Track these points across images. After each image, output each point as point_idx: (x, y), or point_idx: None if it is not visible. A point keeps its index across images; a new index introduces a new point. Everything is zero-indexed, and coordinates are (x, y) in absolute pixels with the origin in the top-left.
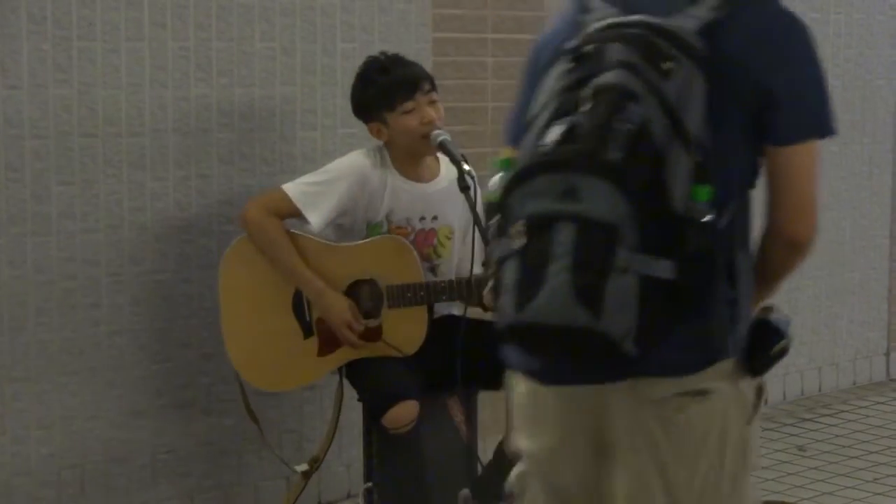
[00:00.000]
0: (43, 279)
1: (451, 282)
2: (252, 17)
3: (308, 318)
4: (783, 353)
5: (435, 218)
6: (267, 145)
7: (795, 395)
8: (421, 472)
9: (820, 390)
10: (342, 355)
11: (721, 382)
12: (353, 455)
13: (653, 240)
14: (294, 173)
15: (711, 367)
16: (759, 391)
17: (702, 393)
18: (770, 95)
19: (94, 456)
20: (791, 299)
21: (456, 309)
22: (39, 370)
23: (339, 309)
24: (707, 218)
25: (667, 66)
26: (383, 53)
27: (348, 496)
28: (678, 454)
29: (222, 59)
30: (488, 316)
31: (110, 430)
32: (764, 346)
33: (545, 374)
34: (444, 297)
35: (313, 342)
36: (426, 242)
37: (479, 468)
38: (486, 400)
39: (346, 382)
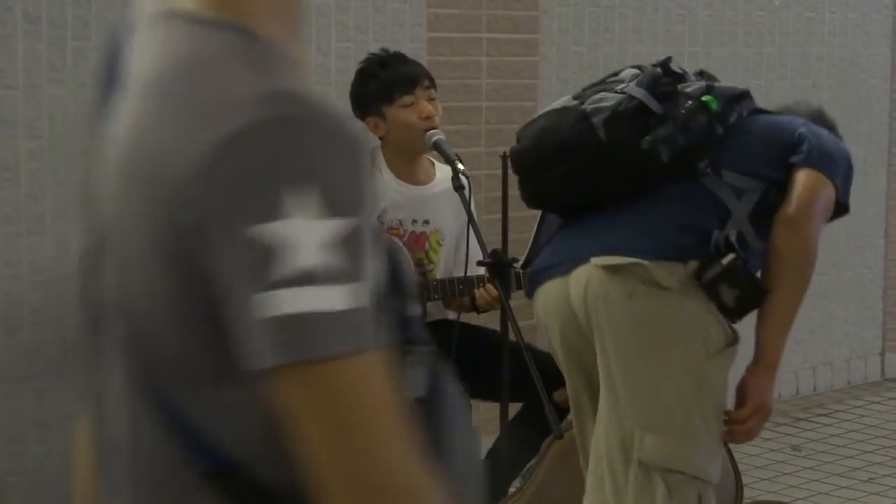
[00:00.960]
0: (38, 279)
1: (441, 281)
2: None
3: None
4: (732, 271)
5: (426, 222)
6: None
7: (790, 395)
8: None
9: (815, 390)
10: None
11: (677, 284)
12: None
13: (654, 90)
14: None
15: (667, 262)
16: (730, 339)
17: (657, 286)
18: (803, 137)
19: None
20: None
21: (451, 314)
22: (35, 370)
23: None
24: (706, 100)
25: (716, 82)
26: (384, 50)
27: None
28: (617, 337)
29: None
30: (482, 321)
31: None
32: (718, 258)
33: (529, 286)
34: (436, 297)
35: None
36: (417, 246)
37: None
38: (479, 402)
39: None
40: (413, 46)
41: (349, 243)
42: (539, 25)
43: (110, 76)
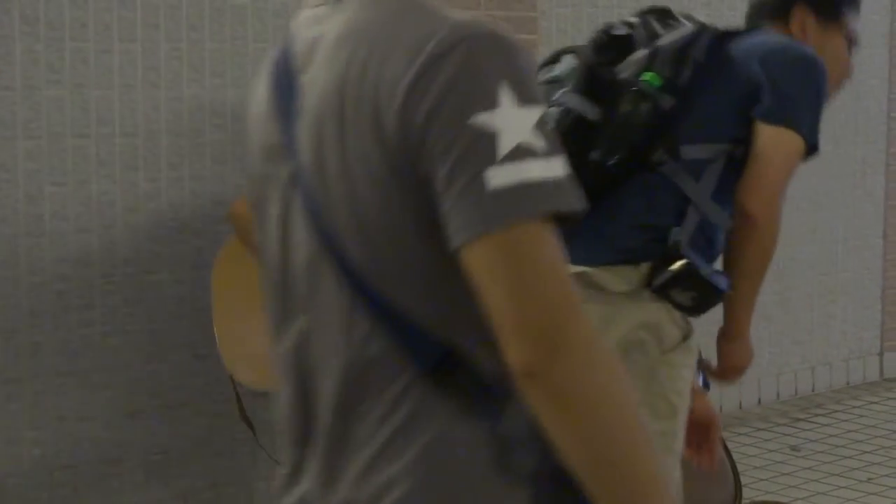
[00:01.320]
0: (36, 280)
1: None
2: (245, 17)
3: None
4: (683, 276)
5: None
6: None
7: (789, 395)
8: None
9: (813, 390)
10: None
11: (627, 287)
12: None
13: (592, 91)
14: None
15: (615, 267)
16: (686, 333)
17: (605, 291)
18: (759, 81)
19: (87, 457)
20: (784, 299)
21: None
22: (32, 371)
23: None
24: (647, 87)
25: (672, 22)
26: None
27: None
28: None
29: (215, 59)
30: None
31: (103, 431)
32: (668, 264)
33: None
34: None
35: None
36: None
37: None
38: None
39: None
40: None
41: (545, 126)
42: (537, 26)
43: (287, 72)
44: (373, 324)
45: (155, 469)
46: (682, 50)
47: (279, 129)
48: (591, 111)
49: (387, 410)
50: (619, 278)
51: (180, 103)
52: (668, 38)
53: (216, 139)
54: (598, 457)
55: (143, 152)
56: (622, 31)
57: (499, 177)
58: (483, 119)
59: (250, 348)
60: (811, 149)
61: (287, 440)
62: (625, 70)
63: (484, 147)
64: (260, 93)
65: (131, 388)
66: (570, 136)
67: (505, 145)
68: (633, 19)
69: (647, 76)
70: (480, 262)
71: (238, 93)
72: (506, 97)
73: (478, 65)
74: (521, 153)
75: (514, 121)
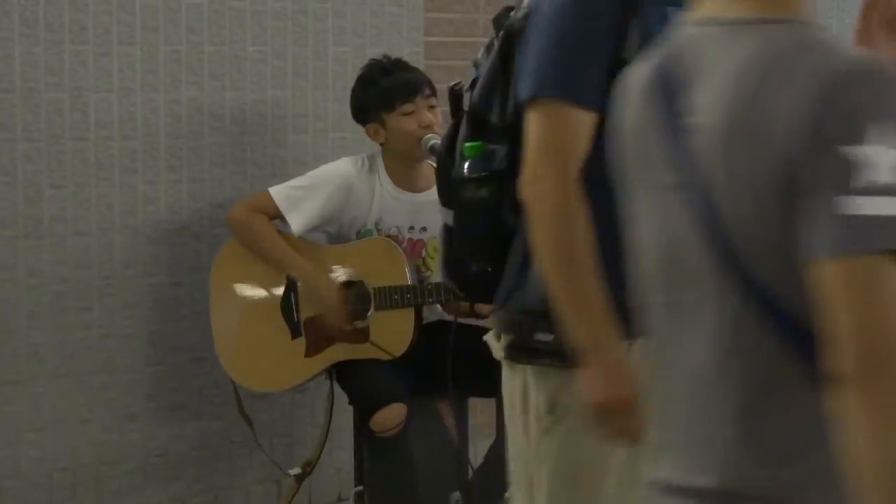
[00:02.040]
0: (35, 282)
1: (438, 284)
2: (244, 21)
3: (296, 319)
4: (545, 349)
5: (424, 229)
6: (258, 149)
7: None
8: (411, 475)
9: None
10: (329, 356)
11: (503, 356)
12: (344, 458)
13: (444, 194)
14: (285, 177)
15: (494, 333)
16: (552, 406)
17: (503, 357)
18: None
19: (86, 459)
20: None
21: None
22: (31, 373)
23: (328, 296)
24: (471, 172)
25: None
26: (386, 56)
27: (339, 499)
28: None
29: (214, 62)
30: (480, 322)
31: (102, 434)
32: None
33: None
34: (431, 300)
35: (300, 343)
36: (414, 253)
37: (470, 472)
38: (476, 403)
39: (336, 386)
40: (409, 51)
41: None
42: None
43: (670, 89)
44: (764, 326)
45: (153, 471)
46: (493, 84)
47: (661, 140)
48: (448, 217)
49: (779, 412)
50: (503, 356)
51: (179, 106)
52: (483, 70)
53: (215, 142)
54: (888, 474)
55: (142, 155)
56: (463, 82)
57: (852, 206)
58: (850, 150)
59: (245, 349)
60: (565, 97)
61: (663, 426)
62: (459, 145)
63: (844, 175)
64: (631, 101)
65: (130, 391)
66: (448, 245)
67: (864, 179)
68: (480, 55)
69: (465, 150)
70: (827, 279)
71: (236, 96)
72: (881, 136)
73: (860, 100)
74: (878, 189)
75: (879, 158)
